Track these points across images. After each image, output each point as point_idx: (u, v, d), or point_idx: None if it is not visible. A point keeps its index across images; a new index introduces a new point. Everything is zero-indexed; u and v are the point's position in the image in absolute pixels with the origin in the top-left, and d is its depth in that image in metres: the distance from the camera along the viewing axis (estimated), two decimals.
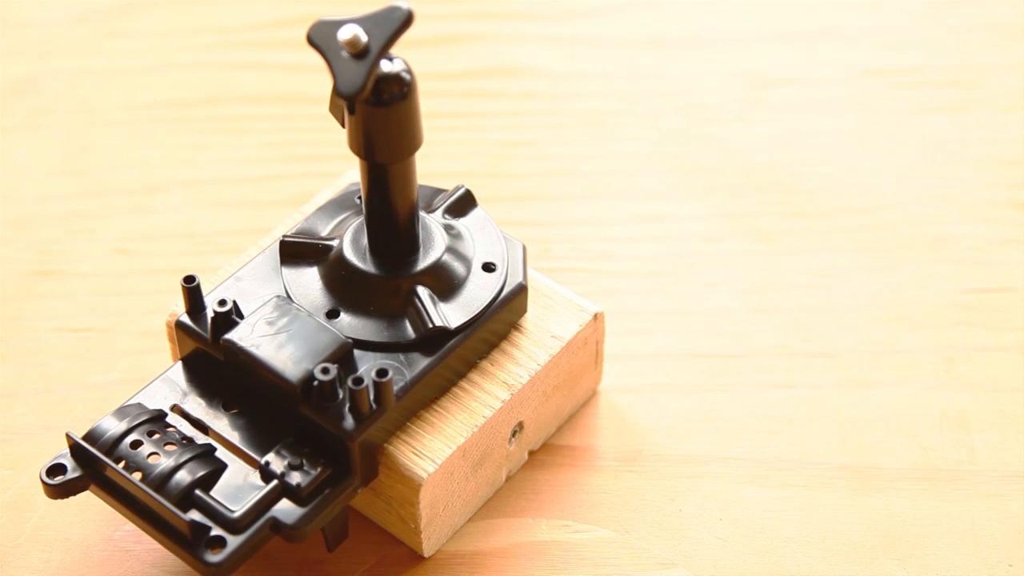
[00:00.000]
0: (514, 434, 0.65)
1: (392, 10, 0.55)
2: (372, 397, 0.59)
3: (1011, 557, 0.64)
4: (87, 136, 0.83)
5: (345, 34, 0.54)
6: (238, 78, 0.86)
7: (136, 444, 0.59)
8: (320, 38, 0.55)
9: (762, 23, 0.89)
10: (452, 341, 0.62)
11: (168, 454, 0.58)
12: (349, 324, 0.62)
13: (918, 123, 0.83)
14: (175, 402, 0.61)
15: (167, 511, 0.57)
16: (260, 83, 0.86)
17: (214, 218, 0.78)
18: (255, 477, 0.58)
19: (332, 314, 0.62)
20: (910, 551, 0.64)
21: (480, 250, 0.64)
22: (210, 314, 0.60)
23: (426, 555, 0.64)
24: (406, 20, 0.54)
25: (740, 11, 0.90)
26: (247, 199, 0.79)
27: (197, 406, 0.60)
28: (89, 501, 0.62)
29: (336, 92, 0.55)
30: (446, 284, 0.62)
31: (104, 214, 0.79)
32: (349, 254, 0.62)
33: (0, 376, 0.71)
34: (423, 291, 0.61)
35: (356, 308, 0.62)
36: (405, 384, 0.60)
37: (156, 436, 0.59)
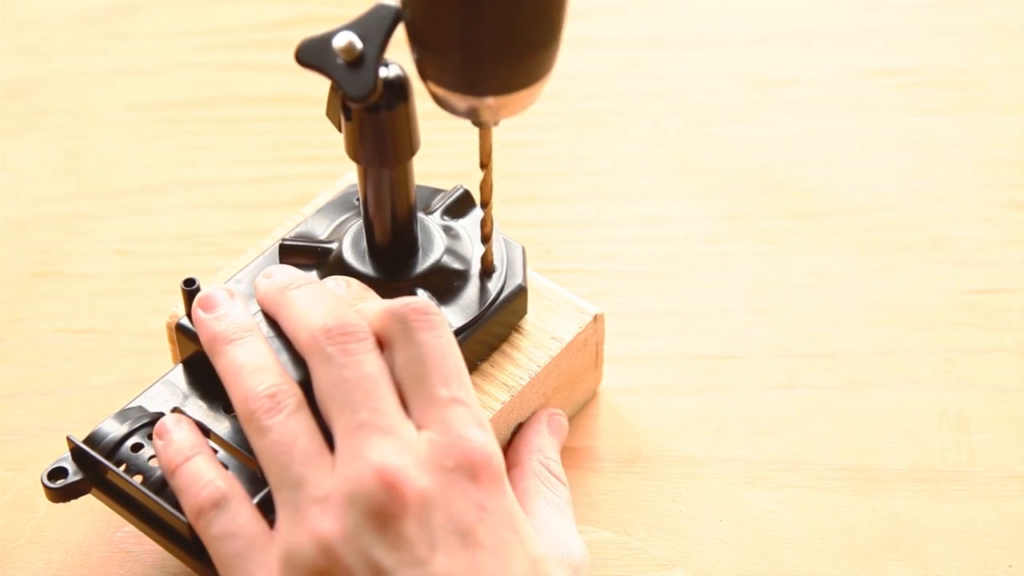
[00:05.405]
0: (514, 436, 0.65)
1: (379, 9, 0.55)
2: None
3: (1011, 557, 0.64)
4: (87, 137, 0.83)
5: (340, 42, 0.55)
6: (238, 79, 0.86)
7: (137, 447, 0.59)
8: (311, 55, 0.55)
9: (762, 23, 0.89)
10: None
11: None
12: None
13: (918, 123, 0.83)
14: (176, 405, 0.61)
15: (168, 513, 0.57)
16: (260, 84, 0.86)
17: (214, 219, 0.78)
18: (255, 479, 0.58)
19: None
20: (910, 551, 0.65)
21: (479, 251, 0.64)
22: None
23: None
24: (396, 17, 0.55)
25: (740, 12, 0.90)
26: (247, 200, 0.79)
27: (198, 409, 0.60)
28: (90, 502, 0.62)
29: (349, 98, 0.55)
30: (445, 286, 0.62)
31: (104, 215, 0.79)
32: (349, 257, 0.62)
33: (1, 377, 0.71)
34: (422, 294, 0.61)
35: None
36: None
37: None
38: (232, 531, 0.54)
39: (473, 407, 0.55)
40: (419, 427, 0.54)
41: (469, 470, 0.53)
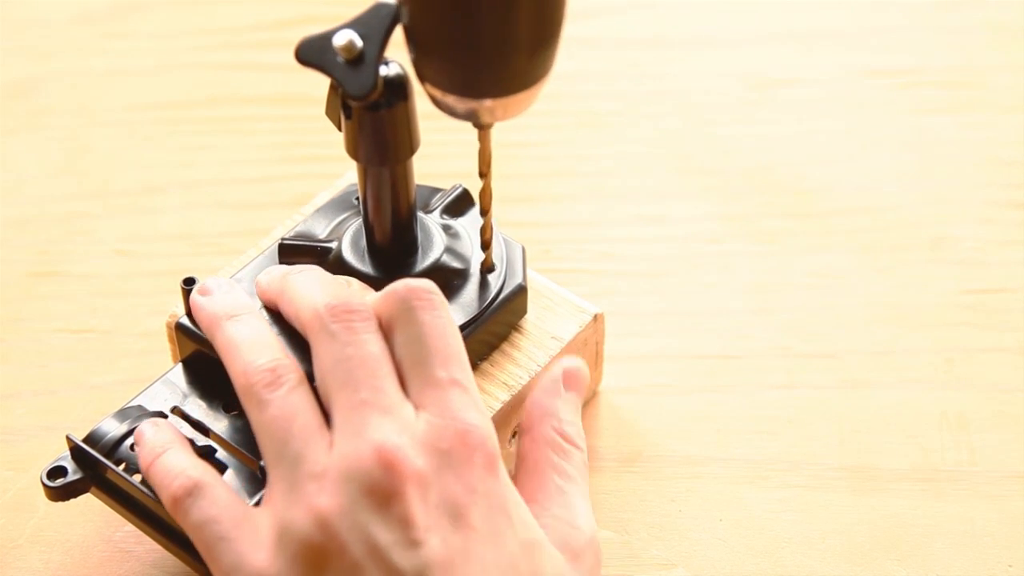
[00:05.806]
0: (514, 435, 0.65)
1: (379, 7, 0.55)
2: None
3: (1011, 557, 0.64)
4: (87, 137, 0.83)
5: (340, 40, 0.55)
6: (238, 78, 0.86)
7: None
8: (310, 53, 0.55)
9: (762, 23, 0.89)
10: None
11: None
12: None
13: (918, 123, 0.83)
14: (175, 404, 0.61)
15: (167, 512, 0.57)
16: (260, 84, 0.86)
17: (214, 219, 0.78)
18: (254, 479, 0.58)
19: None
20: (910, 551, 0.64)
21: (479, 250, 0.64)
22: None
23: None
24: (396, 15, 0.55)
25: (740, 12, 0.90)
26: (247, 200, 0.79)
27: (197, 408, 0.60)
28: (89, 502, 0.62)
29: (349, 97, 0.55)
30: (445, 285, 0.62)
31: (104, 215, 0.79)
32: (348, 256, 0.62)
33: (1, 377, 0.71)
34: None
35: None
36: None
37: None
38: (212, 516, 0.54)
39: (471, 389, 0.55)
40: (417, 408, 0.54)
41: (463, 452, 0.53)
